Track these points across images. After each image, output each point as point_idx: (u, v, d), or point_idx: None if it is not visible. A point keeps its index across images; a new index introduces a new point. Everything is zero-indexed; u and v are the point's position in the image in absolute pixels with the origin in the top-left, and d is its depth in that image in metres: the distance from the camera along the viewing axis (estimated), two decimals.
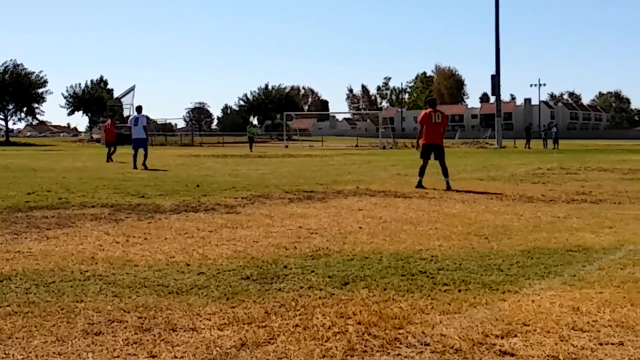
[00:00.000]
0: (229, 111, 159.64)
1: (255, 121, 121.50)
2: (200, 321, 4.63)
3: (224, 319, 4.68)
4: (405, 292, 5.41)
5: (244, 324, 4.54)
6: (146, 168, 22.18)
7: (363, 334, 4.33)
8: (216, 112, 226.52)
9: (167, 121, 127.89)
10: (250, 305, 5.02)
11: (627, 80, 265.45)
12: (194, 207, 11.13)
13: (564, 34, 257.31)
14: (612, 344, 4.15)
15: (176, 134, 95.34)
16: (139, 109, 24.58)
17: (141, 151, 23.14)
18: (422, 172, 15.04)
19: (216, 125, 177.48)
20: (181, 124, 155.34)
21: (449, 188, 14.41)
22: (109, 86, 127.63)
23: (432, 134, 15.24)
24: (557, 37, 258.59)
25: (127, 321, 4.63)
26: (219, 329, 4.44)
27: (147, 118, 25.15)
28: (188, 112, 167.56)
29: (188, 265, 6.50)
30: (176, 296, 5.31)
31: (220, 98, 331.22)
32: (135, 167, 22.27)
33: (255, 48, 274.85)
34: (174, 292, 5.43)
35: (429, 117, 15.23)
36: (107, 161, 27.72)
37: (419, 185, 14.83)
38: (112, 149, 29.57)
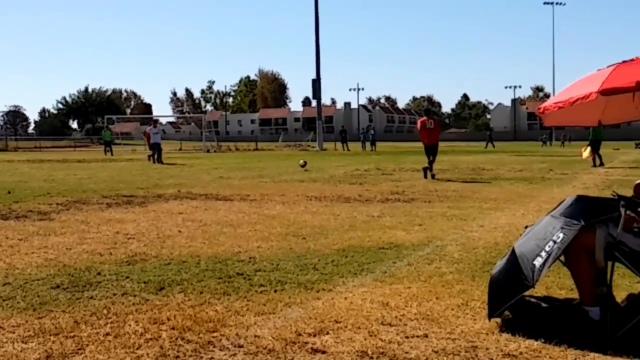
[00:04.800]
0: (47, 115, 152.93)
1: (75, 125, 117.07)
2: (3, 334, 4.39)
3: (29, 330, 4.46)
4: (222, 295, 5.40)
5: (50, 335, 4.34)
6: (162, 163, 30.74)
7: (176, 339, 4.28)
8: (33, 115, 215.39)
9: None
10: (59, 315, 4.82)
11: (438, 86, 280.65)
12: (4, 215, 10.54)
13: (381, 41, 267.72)
14: (418, 336, 4.35)
15: None
16: (155, 122, 36.72)
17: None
18: (430, 166, 18.70)
19: (33, 129, 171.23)
20: None
21: (433, 177, 18.30)
22: None
23: (428, 137, 19.10)
24: (375, 44, 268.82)
25: None
26: (22, 342, 4.22)
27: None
28: (2, 116, 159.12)
29: None
30: None
31: (37, 101, 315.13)
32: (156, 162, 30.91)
33: (75, 49, 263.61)
34: None
35: (424, 124, 19.22)
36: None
37: (426, 174, 18.50)
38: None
